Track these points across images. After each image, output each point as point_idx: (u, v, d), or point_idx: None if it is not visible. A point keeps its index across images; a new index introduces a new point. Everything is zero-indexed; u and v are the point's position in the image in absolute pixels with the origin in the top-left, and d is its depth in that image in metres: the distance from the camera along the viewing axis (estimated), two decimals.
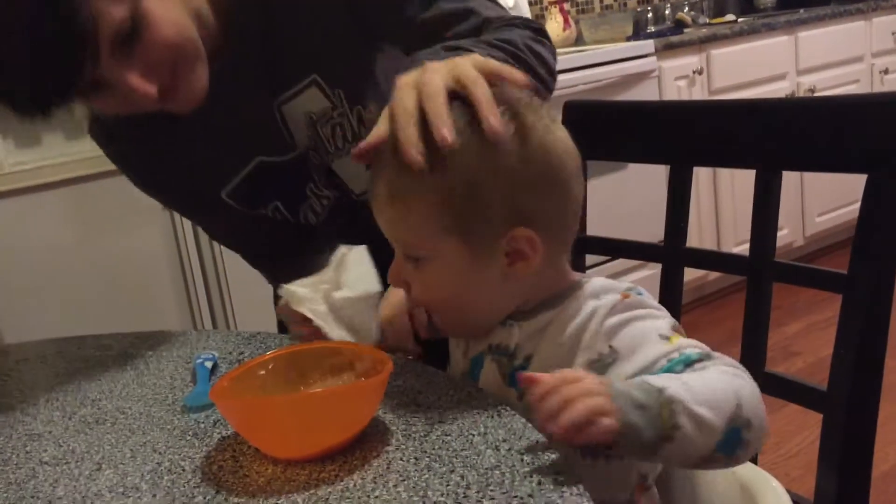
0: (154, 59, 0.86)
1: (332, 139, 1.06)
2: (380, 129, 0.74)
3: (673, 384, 0.65)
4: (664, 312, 0.76)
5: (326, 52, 1.02)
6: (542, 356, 0.77)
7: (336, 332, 0.84)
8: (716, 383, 0.67)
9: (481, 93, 0.70)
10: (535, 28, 0.99)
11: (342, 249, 0.88)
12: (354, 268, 0.86)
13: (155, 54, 0.86)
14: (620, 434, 0.63)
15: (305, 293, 0.85)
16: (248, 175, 1.08)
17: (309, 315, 0.85)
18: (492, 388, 0.80)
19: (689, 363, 0.69)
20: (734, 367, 0.69)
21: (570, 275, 0.81)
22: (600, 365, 0.73)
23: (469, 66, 0.72)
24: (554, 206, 0.76)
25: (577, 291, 0.78)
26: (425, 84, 0.71)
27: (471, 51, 0.82)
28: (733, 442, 0.66)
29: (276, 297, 0.99)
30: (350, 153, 1.00)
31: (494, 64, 0.74)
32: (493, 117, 0.69)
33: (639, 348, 0.72)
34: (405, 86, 0.73)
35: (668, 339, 0.72)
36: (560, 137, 0.75)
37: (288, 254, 1.13)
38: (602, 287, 0.77)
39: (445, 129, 0.68)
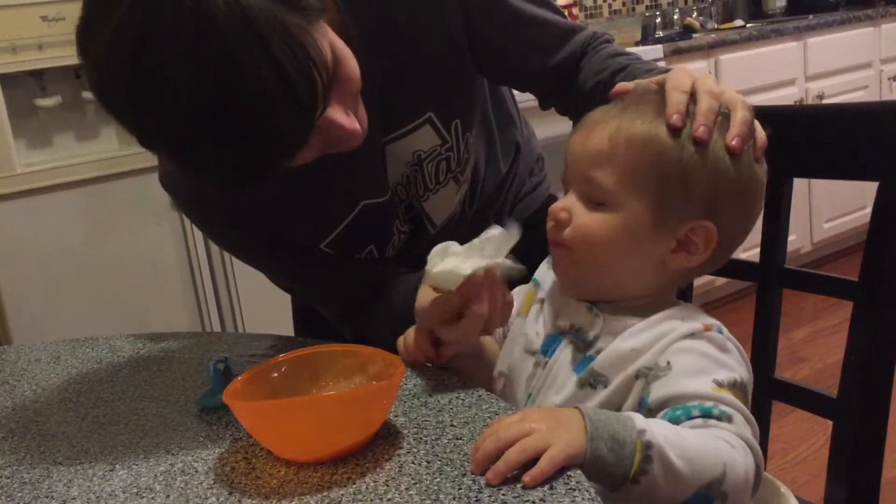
0: (346, 95, 0.83)
1: (434, 175, 1.06)
2: (650, 81, 0.84)
3: (661, 429, 0.66)
4: (739, 364, 0.75)
5: (444, 89, 1.02)
6: (608, 354, 0.77)
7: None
8: (708, 446, 0.66)
9: (742, 116, 0.79)
10: (612, 39, 1.08)
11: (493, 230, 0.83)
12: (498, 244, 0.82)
13: (347, 89, 0.83)
14: (588, 462, 0.64)
15: (455, 261, 0.80)
16: (352, 220, 1.04)
17: (475, 271, 0.79)
18: (561, 367, 0.81)
19: (707, 416, 0.69)
20: (744, 443, 0.68)
21: (671, 296, 0.84)
22: (650, 374, 0.73)
23: (738, 95, 0.82)
24: (739, 220, 0.81)
25: (668, 309, 0.79)
26: (705, 84, 0.80)
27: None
28: None
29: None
30: (446, 185, 1.06)
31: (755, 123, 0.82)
32: (739, 138, 0.78)
33: (688, 377, 0.72)
34: (684, 72, 0.82)
35: (718, 386, 0.71)
36: (764, 174, 0.82)
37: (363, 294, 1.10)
38: (690, 314, 0.79)
39: (707, 127, 0.77)
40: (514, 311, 0.91)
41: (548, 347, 0.84)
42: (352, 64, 0.83)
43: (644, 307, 0.80)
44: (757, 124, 0.81)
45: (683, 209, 0.78)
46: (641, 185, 0.78)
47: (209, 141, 0.73)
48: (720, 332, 0.77)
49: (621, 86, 0.86)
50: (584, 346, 0.80)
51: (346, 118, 0.83)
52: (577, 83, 1.03)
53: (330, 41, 0.79)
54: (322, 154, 0.85)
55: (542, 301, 0.88)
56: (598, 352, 0.78)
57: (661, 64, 2.88)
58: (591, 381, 0.78)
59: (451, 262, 0.79)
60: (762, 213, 0.97)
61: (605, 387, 0.76)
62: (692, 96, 0.79)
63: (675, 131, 0.77)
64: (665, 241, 0.79)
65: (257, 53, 0.70)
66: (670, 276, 0.82)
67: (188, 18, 0.69)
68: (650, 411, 0.71)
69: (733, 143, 0.77)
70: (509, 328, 0.91)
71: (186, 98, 0.70)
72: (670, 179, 0.77)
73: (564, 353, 0.82)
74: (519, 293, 0.92)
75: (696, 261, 0.80)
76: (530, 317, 0.88)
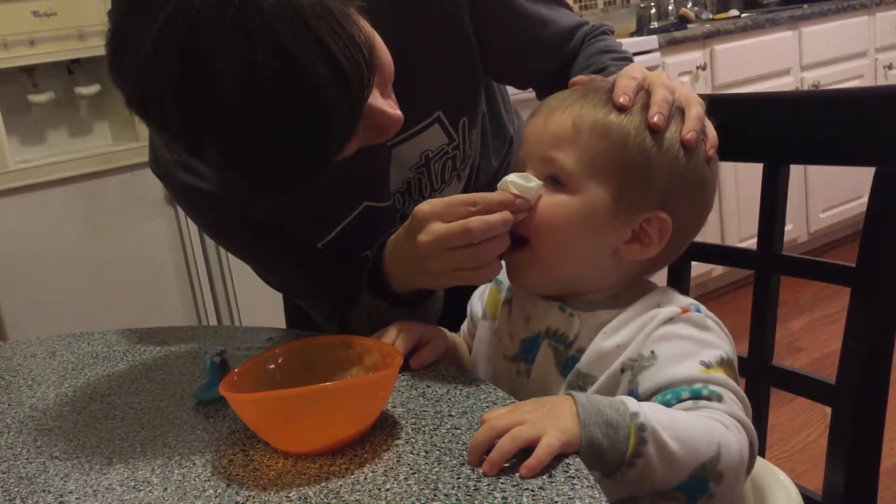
0: (383, 82, 0.82)
1: (441, 174, 1.06)
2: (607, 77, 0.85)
3: (654, 412, 0.66)
4: (721, 339, 0.76)
5: (454, 88, 1.02)
6: (593, 354, 0.77)
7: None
8: (701, 427, 0.66)
9: (696, 112, 0.81)
10: (612, 31, 1.11)
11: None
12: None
13: (384, 76, 0.81)
14: (583, 448, 0.63)
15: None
16: (352, 221, 1.03)
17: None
18: (545, 372, 0.81)
19: (697, 397, 0.69)
20: (736, 422, 0.68)
21: (644, 281, 0.84)
22: (636, 366, 0.73)
23: (692, 92, 0.84)
24: (693, 214, 0.82)
25: (643, 297, 0.79)
26: (659, 77, 0.82)
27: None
28: (697, 489, 0.66)
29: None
30: (450, 183, 1.07)
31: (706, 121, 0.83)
32: (694, 132, 0.79)
33: (675, 363, 0.72)
34: (637, 67, 0.84)
35: (707, 367, 0.72)
36: (716, 171, 0.83)
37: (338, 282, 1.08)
38: (667, 297, 0.80)
39: (662, 115, 0.78)
40: (479, 312, 0.92)
41: (527, 353, 0.83)
42: (385, 51, 0.82)
43: (615, 297, 0.81)
44: (709, 124, 0.82)
45: (642, 199, 0.78)
46: (604, 171, 0.78)
47: (264, 136, 0.71)
48: (698, 310, 0.77)
49: (578, 78, 0.87)
50: (564, 348, 0.80)
51: (388, 105, 0.82)
52: (569, 75, 1.04)
53: (370, 31, 0.77)
54: (362, 146, 0.83)
55: (509, 302, 0.87)
56: (580, 350, 0.78)
57: (657, 55, 2.88)
58: (581, 383, 0.78)
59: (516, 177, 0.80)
60: (761, 204, 0.98)
61: (592, 385, 0.76)
62: (647, 89, 0.80)
63: (623, 111, 0.78)
64: (620, 231, 0.79)
65: (308, 41, 0.68)
66: (627, 269, 0.81)
67: (235, 13, 0.67)
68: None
69: (688, 136, 0.78)
70: (476, 328, 0.92)
71: (240, 93, 0.68)
72: (633, 168, 0.78)
73: (545, 357, 0.82)
74: (481, 294, 0.93)
75: (649, 253, 0.80)
76: (501, 320, 0.88)
